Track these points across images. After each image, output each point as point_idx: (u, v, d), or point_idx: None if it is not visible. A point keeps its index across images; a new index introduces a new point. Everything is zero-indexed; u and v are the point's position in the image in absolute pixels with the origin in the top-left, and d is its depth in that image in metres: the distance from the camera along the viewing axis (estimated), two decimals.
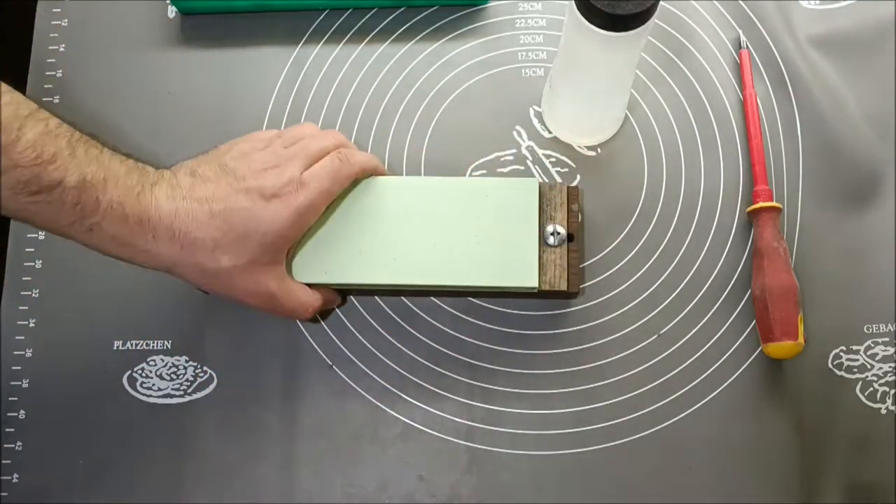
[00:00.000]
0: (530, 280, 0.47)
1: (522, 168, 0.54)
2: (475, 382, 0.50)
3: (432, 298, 0.51)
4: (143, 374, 0.50)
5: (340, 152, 0.47)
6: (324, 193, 0.46)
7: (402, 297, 0.52)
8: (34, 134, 0.38)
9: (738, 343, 0.51)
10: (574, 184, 0.53)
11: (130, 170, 0.42)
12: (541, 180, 0.51)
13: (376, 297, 0.51)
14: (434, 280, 0.47)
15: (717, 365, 0.50)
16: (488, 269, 0.47)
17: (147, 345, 0.51)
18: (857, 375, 0.50)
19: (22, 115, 0.38)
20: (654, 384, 0.50)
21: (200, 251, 0.43)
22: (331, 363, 0.50)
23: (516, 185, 0.49)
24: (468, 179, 0.51)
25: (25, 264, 0.52)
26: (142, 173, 0.42)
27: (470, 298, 0.51)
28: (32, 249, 0.52)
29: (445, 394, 0.50)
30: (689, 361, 0.50)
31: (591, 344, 0.51)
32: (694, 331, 0.51)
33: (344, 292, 0.51)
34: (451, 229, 0.48)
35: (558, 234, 0.49)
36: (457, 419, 0.50)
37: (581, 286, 0.51)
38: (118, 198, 0.41)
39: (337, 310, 0.51)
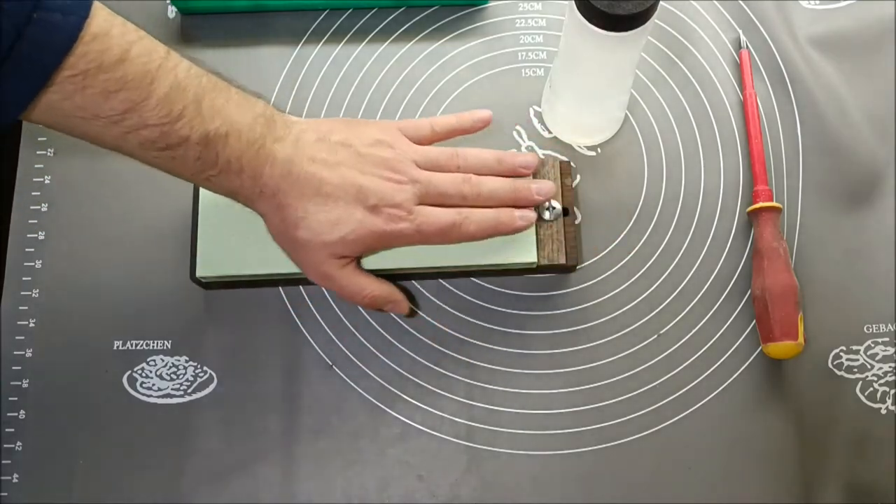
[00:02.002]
0: (529, 255, 0.48)
1: None
2: (475, 382, 0.50)
3: (433, 299, 0.51)
4: (143, 374, 0.50)
5: (461, 212, 0.46)
6: (420, 237, 0.45)
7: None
8: (164, 89, 0.38)
9: (738, 343, 0.51)
10: (574, 184, 0.53)
11: (256, 119, 0.42)
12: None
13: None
14: (434, 262, 0.48)
15: (717, 365, 0.50)
16: (487, 247, 0.48)
17: (147, 345, 0.51)
18: (857, 375, 0.50)
19: (153, 68, 0.38)
20: (654, 384, 0.50)
21: (290, 215, 0.43)
22: (331, 363, 0.50)
23: None
24: None
25: (25, 264, 0.52)
26: (268, 124, 0.43)
27: (470, 298, 0.51)
28: (32, 249, 0.52)
29: (445, 394, 0.50)
30: (689, 361, 0.50)
31: (591, 344, 0.51)
32: (694, 331, 0.51)
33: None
34: None
35: (554, 208, 0.49)
36: (457, 419, 0.50)
37: (580, 260, 0.51)
38: (238, 153, 0.41)
39: (337, 310, 0.51)
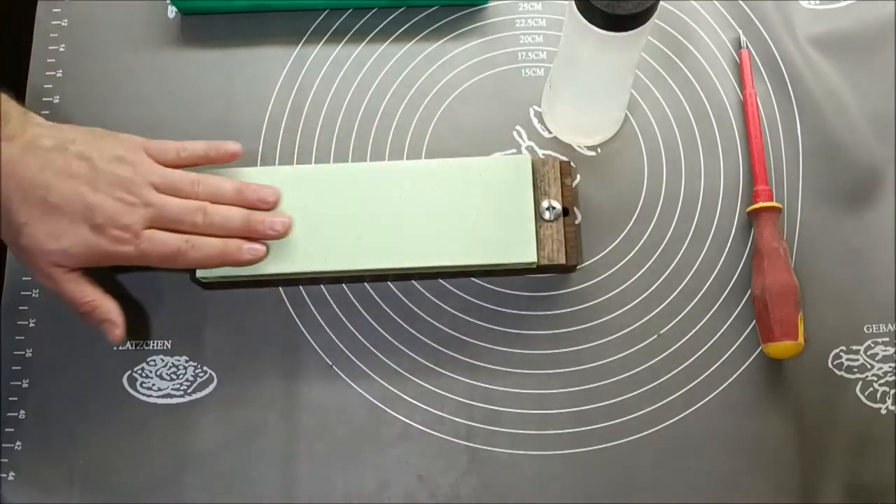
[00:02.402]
0: (529, 255, 0.48)
1: None
2: (475, 382, 0.50)
3: (433, 299, 0.51)
4: (143, 374, 0.50)
5: (189, 240, 0.46)
6: (144, 260, 0.45)
7: (403, 297, 0.51)
8: None
9: (738, 343, 0.51)
10: (574, 184, 0.53)
11: None
12: (532, 156, 0.52)
13: (377, 297, 0.51)
14: (434, 262, 0.48)
15: (717, 365, 0.50)
16: (487, 247, 0.48)
17: (147, 345, 0.51)
18: (857, 375, 0.50)
19: None
20: (654, 384, 0.50)
21: (13, 219, 0.43)
22: (331, 363, 0.50)
23: (509, 162, 0.50)
24: (461, 160, 0.51)
25: None
26: (2, 119, 0.42)
27: (470, 298, 0.51)
28: None
29: (445, 394, 0.50)
30: (689, 361, 0.50)
31: (592, 344, 0.51)
32: (694, 331, 0.51)
33: (350, 280, 0.51)
34: (448, 210, 0.49)
35: (554, 208, 0.49)
36: (457, 419, 0.50)
37: (580, 259, 0.51)
38: None
39: (337, 310, 0.51)
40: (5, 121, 0.42)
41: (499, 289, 0.52)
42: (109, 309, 0.46)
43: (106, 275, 0.51)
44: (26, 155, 0.43)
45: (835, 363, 0.51)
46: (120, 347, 0.51)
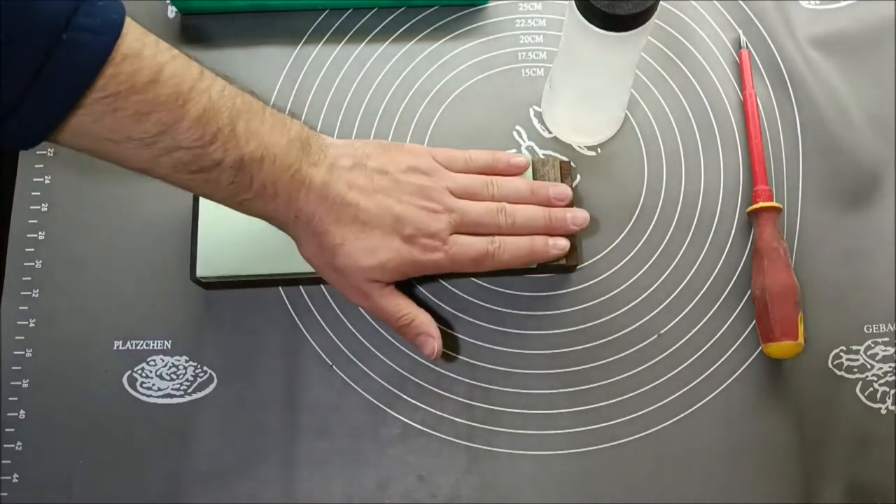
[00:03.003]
0: None
1: None
2: (475, 382, 0.50)
3: (433, 299, 0.51)
4: (143, 374, 0.50)
5: (495, 241, 0.46)
6: (454, 266, 0.46)
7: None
8: (197, 111, 0.37)
9: (738, 343, 0.51)
10: (574, 184, 0.53)
11: (291, 143, 0.42)
12: (533, 156, 0.53)
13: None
14: None
15: (717, 365, 0.50)
16: None
17: (147, 345, 0.51)
18: (857, 375, 0.50)
19: (186, 89, 0.37)
20: (654, 384, 0.50)
21: (327, 241, 0.43)
22: (331, 363, 0.50)
23: None
24: None
25: (25, 264, 0.52)
26: (303, 147, 0.42)
27: (470, 298, 0.51)
28: (32, 249, 0.52)
29: (445, 394, 0.50)
30: (689, 361, 0.50)
31: (591, 344, 0.51)
32: (694, 331, 0.51)
33: None
34: None
35: None
36: (457, 419, 0.50)
37: (580, 259, 0.51)
38: (273, 177, 0.41)
39: (337, 310, 0.51)
40: (308, 147, 0.43)
41: (499, 289, 0.52)
42: (425, 322, 0.47)
43: (105, 274, 0.52)
44: (333, 177, 0.43)
45: (835, 363, 0.51)
46: (120, 347, 0.51)
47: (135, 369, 0.50)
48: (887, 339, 0.51)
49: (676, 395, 0.50)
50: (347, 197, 0.43)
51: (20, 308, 0.51)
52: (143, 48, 0.36)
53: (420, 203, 0.45)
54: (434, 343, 0.47)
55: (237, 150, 0.39)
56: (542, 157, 0.54)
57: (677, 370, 0.50)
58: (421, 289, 0.52)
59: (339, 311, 0.51)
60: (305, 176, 0.42)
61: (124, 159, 0.38)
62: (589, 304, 0.52)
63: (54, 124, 0.35)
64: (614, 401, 0.50)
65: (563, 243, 0.48)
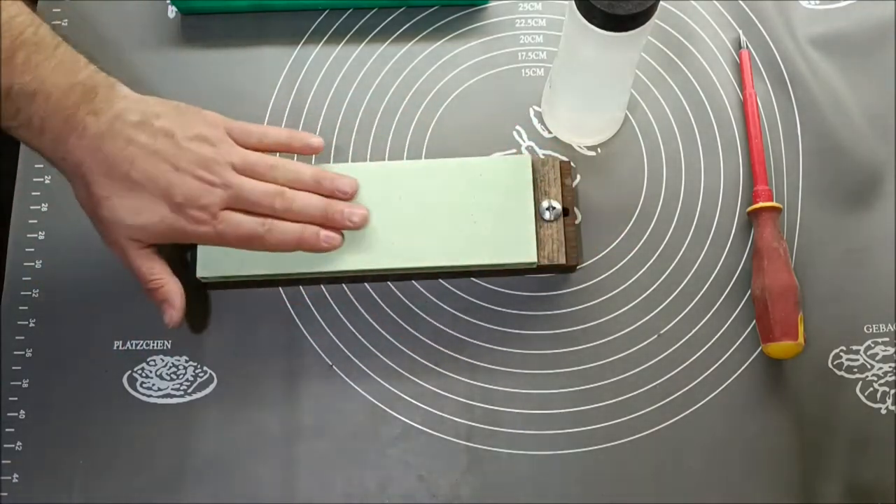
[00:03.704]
0: (529, 255, 0.48)
1: None
2: (475, 382, 0.50)
3: (433, 299, 0.51)
4: (143, 374, 0.50)
5: (266, 223, 0.46)
6: (220, 240, 0.45)
7: (403, 297, 0.51)
8: None
9: (738, 343, 0.51)
10: (574, 184, 0.53)
11: (73, 86, 0.41)
12: (532, 156, 0.53)
13: (377, 297, 0.51)
14: (435, 262, 0.48)
15: (717, 365, 0.50)
16: (487, 247, 0.48)
17: (147, 345, 0.51)
18: (857, 375, 0.50)
19: None
20: (654, 384, 0.50)
21: (94, 191, 0.43)
22: (331, 363, 0.50)
23: (509, 162, 0.51)
24: (461, 160, 0.51)
25: (25, 264, 0.52)
26: (86, 93, 0.42)
27: (470, 298, 0.51)
28: (32, 249, 0.52)
29: (445, 394, 0.50)
30: (689, 361, 0.50)
31: (592, 343, 0.51)
32: (694, 331, 0.51)
33: (350, 280, 0.51)
34: (448, 210, 0.49)
35: (554, 208, 0.49)
36: (457, 419, 0.50)
37: (580, 259, 0.51)
38: (42, 113, 0.41)
39: (337, 310, 0.51)
40: (93, 94, 0.42)
41: (499, 289, 0.52)
42: (172, 290, 0.46)
43: (105, 274, 0.51)
44: (111, 130, 0.43)
45: (835, 363, 0.51)
46: (120, 347, 0.51)
47: (135, 369, 0.50)
48: (887, 339, 0.51)
49: (676, 395, 0.50)
50: (123, 152, 0.43)
51: (20, 308, 0.51)
52: None
53: (197, 173, 0.44)
54: (174, 313, 0.46)
55: (8, 79, 0.39)
56: (542, 157, 0.54)
57: (677, 370, 0.50)
58: (421, 288, 0.52)
59: (339, 311, 0.51)
60: (80, 122, 0.42)
61: None
62: (589, 304, 0.52)
63: None
64: (614, 401, 0.50)
65: (335, 237, 0.47)
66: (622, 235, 0.53)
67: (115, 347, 0.51)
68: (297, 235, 0.46)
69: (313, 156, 0.52)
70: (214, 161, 0.45)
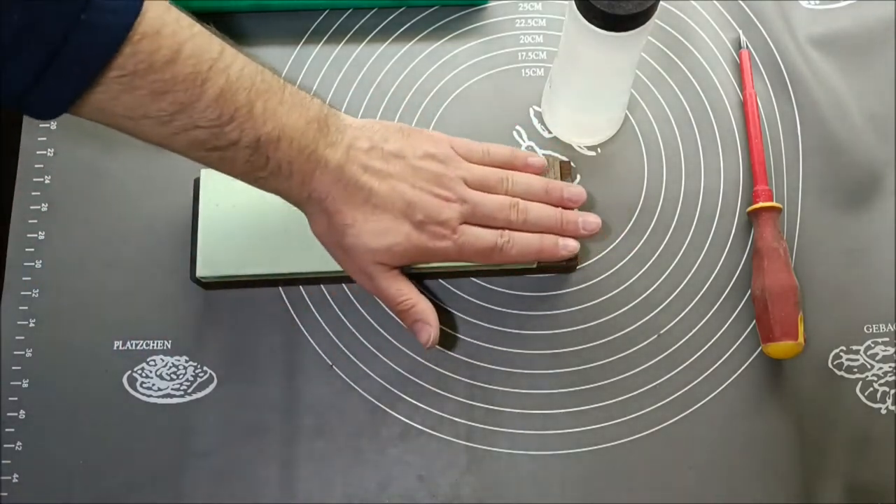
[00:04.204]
0: None
1: None
2: (475, 382, 0.50)
3: (433, 298, 0.51)
4: (143, 374, 0.50)
5: (504, 234, 0.46)
6: (461, 256, 0.46)
7: None
8: (215, 91, 0.37)
9: (738, 343, 0.51)
10: (574, 184, 0.53)
11: (309, 124, 0.42)
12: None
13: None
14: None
15: (717, 365, 0.50)
16: None
17: (147, 345, 0.51)
18: (857, 375, 0.50)
19: (204, 69, 0.37)
20: (654, 384, 0.50)
21: (338, 221, 0.44)
22: (331, 363, 0.50)
23: None
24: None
25: (25, 264, 0.52)
26: (321, 128, 0.43)
27: (470, 298, 0.51)
28: (32, 249, 0.52)
29: (445, 394, 0.50)
30: (689, 361, 0.50)
31: (592, 344, 0.51)
32: (694, 331, 0.51)
33: (350, 280, 0.51)
34: None
35: None
36: (457, 419, 0.50)
37: (579, 259, 0.51)
38: (289, 157, 0.41)
39: (337, 310, 0.51)
40: (326, 128, 0.43)
41: (499, 289, 0.52)
42: (424, 310, 0.46)
43: (105, 274, 0.52)
44: (348, 159, 0.43)
45: (835, 363, 0.51)
46: (120, 347, 0.51)
47: (135, 369, 0.50)
48: (887, 339, 0.51)
49: (676, 395, 0.50)
50: (361, 179, 0.43)
51: (20, 308, 0.51)
52: (162, 27, 0.36)
53: (433, 190, 0.45)
54: (430, 331, 0.46)
55: (254, 131, 0.39)
56: (542, 156, 0.53)
57: (677, 370, 0.50)
58: (421, 288, 0.52)
59: (339, 311, 0.51)
60: (321, 157, 0.42)
61: (140, 134, 0.38)
62: (589, 304, 0.52)
63: (69, 101, 0.35)
64: (614, 401, 0.50)
65: (574, 244, 0.48)
66: (622, 235, 0.53)
67: (115, 347, 0.51)
68: (538, 245, 0.47)
69: None
70: (447, 177, 0.46)
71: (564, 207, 0.49)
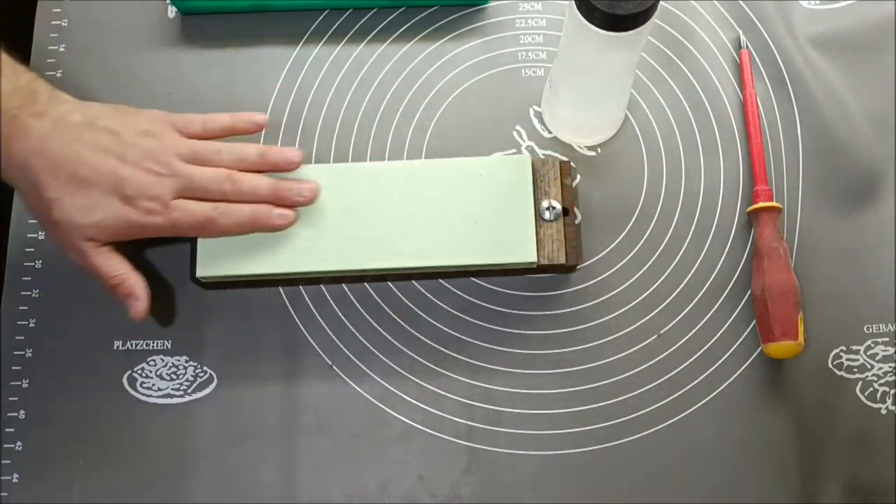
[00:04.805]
0: (529, 255, 0.48)
1: None
2: (475, 382, 0.50)
3: (433, 299, 0.51)
4: (143, 374, 0.50)
5: (218, 207, 0.46)
6: (175, 230, 0.45)
7: (403, 297, 0.51)
8: None
9: (738, 343, 0.51)
10: (574, 184, 0.53)
11: (15, 90, 0.42)
12: (532, 156, 0.53)
13: (377, 297, 0.51)
14: (434, 261, 0.48)
15: (717, 365, 0.50)
16: (487, 247, 0.48)
17: (147, 345, 0.51)
18: (857, 375, 0.50)
19: None
20: (654, 384, 0.50)
21: (43, 194, 0.43)
22: (331, 363, 0.50)
23: (509, 162, 0.51)
24: (460, 160, 0.51)
25: (25, 264, 0.52)
26: (28, 96, 0.42)
27: (470, 298, 0.51)
28: (32, 249, 0.52)
29: (445, 394, 0.50)
30: (689, 361, 0.50)
31: (592, 343, 0.51)
32: (694, 331, 0.51)
33: (350, 280, 0.51)
34: (448, 210, 0.49)
35: (554, 208, 0.50)
36: (457, 419, 0.50)
37: (580, 259, 0.51)
38: None
39: (337, 310, 0.51)
40: (34, 98, 0.43)
41: (499, 289, 0.52)
42: (134, 284, 0.46)
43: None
44: (56, 131, 0.43)
45: (835, 363, 0.51)
46: (120, 347, 0.51)
47: (135, 369, 0.50)
48: (887, 339, 0.51)
49: (676, 395, 0.50)
50: (69, 151, 0.43)
51: (20, 308, 0.51)
52: None
53: (145, 165, 0.44)
54: (140, 305, 0.46)
55: None
56: (542, 157, 0.54)
57: (677, 370, 0.50)
58: (421, 288, 0.52)
59: (339, 311, 0.51)
60: (23, 124, 0.42)
61: None
62: (589, 304, 0.52)
63: None
64: (614, 401, 0.50)
65: (289, 214, 0.47)
66: (622, 235, 0.53)
67: (115, 347, 0.51)
68: (250, 215, 0.47)
69: (329, 155, 0.52)
70: (161, 152, 0.45)
71: (282, 170, 0.48)
